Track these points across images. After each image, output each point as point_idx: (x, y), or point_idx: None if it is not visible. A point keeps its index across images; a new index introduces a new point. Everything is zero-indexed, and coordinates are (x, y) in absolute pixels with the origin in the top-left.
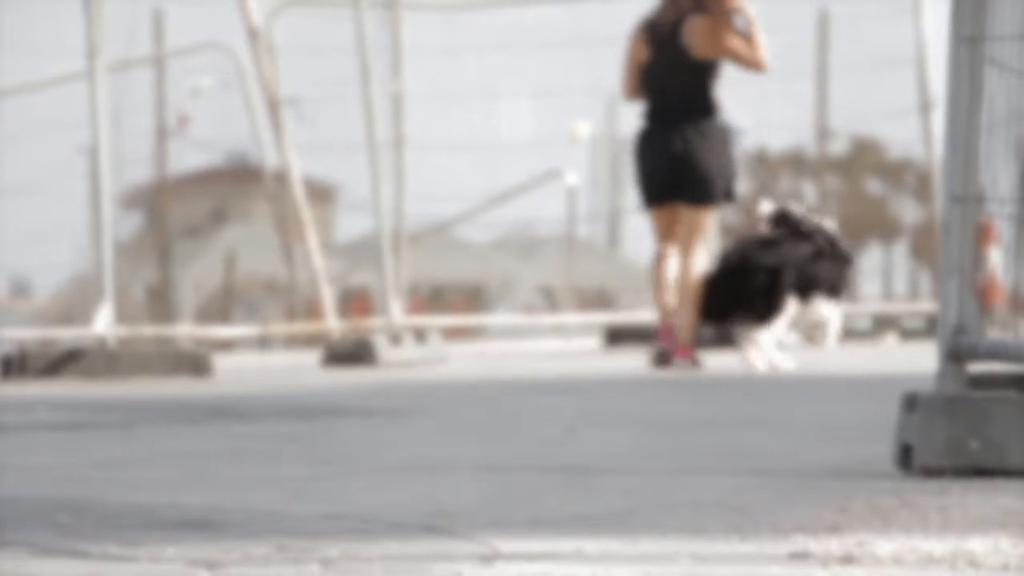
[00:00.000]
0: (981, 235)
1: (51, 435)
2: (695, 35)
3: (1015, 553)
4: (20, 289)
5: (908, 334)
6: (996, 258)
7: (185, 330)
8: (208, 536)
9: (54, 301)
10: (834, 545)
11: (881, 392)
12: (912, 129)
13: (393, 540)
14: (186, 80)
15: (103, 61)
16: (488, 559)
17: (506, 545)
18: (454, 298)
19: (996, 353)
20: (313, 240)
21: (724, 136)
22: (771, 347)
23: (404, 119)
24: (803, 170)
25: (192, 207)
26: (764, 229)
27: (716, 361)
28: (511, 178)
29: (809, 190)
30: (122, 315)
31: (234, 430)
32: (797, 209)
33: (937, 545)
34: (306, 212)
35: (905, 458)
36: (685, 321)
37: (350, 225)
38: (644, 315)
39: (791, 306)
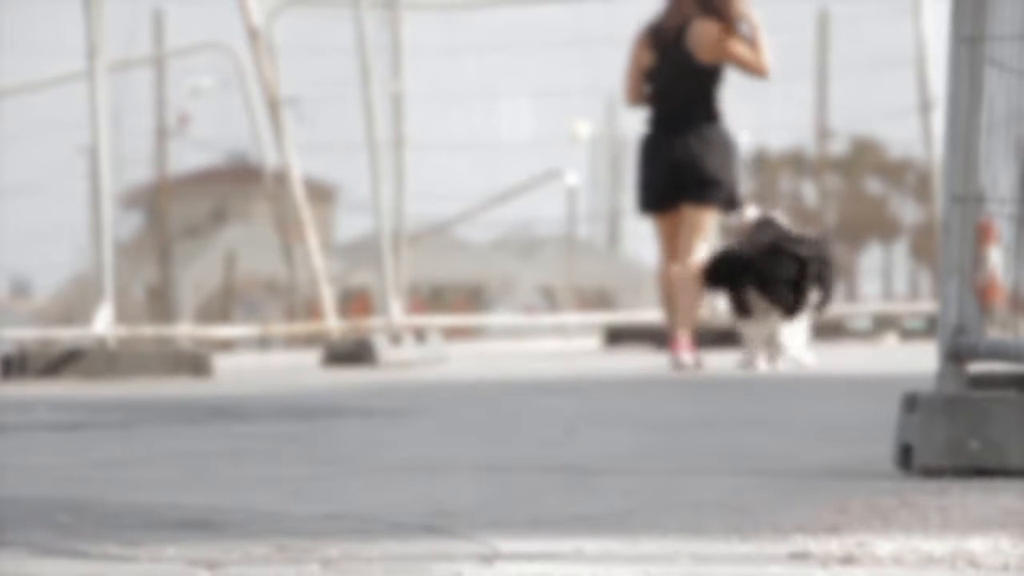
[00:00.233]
0: (981, 235)
1: (51, 435)
2: (700, 39)
3: (1015, 553)
4: (20, 289)
5: (908, 334)
6: (996, 258)
7: (185, 330)
8: (208, 536)
9: (54, 301)
10: (834, 545)
11: (881, 392)
12: (912, 129)
13: (393, 540)
14: (186, 80)
15: (103, 61)
16: (488, 559)
17: (506, 545)
18: (454, 298)
19: (996, 353)
20: (313, 240)
21: (727, 142)
22: (801, 346)
23: (404, 119)
24: (803, 170)
25: (192, 207)
26: (746, 234)
27: (715, 361)
28: (511, 178)
29: (809, 190)
30: (122, 315)
31: (234, 430)
32: (781, 218)
33: (937, 545)
34: (306, 212)
35: (905, 458)
36: (687, 316)
37: (350, 225)
38: (644, 315)
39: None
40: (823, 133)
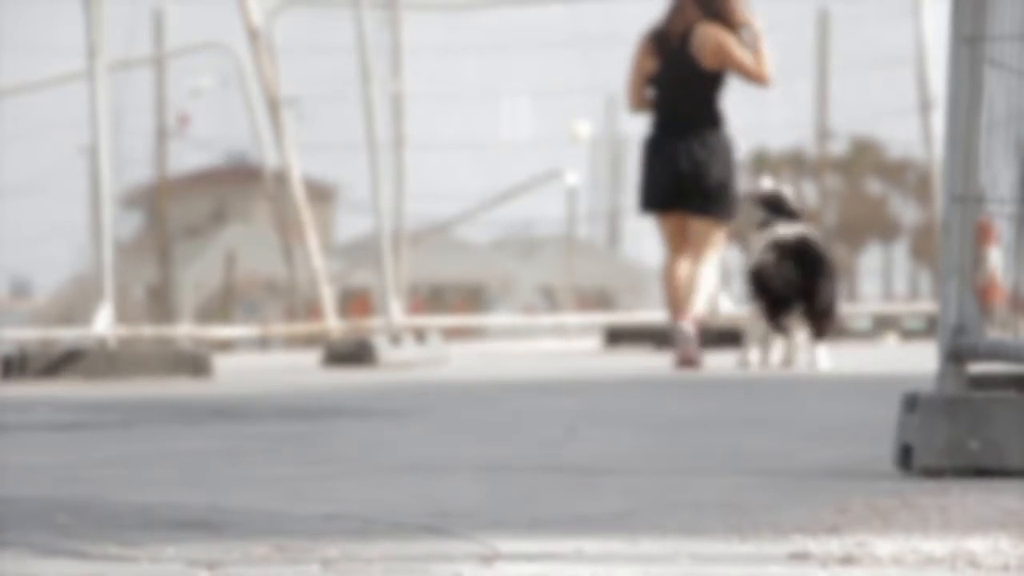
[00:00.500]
0: (981, 235)
1: (51, 435)
2: (704, 44)
3: (1015, 553)
4: (20, 289)
5: (908, 334)
6: (996, 258)
7: (185, 330)
8: (208, 536)
9: (54, 301)
10: (834, 545)
11: (881, 392)
12: (912, 129)
13: (393, 540)
14: (186, 80)
15: (103, 61)
16: (488, 559)
17: (506, 545)
18: (454, 298)
19: (996, 353)
20: (313, 240)
21: (729, 149)
22: (825, 351)
23: (404, 119)
24: (803, 170)
25: (192, 207)
26: (753, 205)
27: (715, 361)
28: (511, 178)
29: (809, 190)
30: (122, 315)
31: (234, 430)
32: (791, 196)
33: (937, 545)
34: (306, 212)
35: (905, 458)
36: (687, 301)
37: (350, 225)
38: (644, 315)
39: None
40: (823, 133)
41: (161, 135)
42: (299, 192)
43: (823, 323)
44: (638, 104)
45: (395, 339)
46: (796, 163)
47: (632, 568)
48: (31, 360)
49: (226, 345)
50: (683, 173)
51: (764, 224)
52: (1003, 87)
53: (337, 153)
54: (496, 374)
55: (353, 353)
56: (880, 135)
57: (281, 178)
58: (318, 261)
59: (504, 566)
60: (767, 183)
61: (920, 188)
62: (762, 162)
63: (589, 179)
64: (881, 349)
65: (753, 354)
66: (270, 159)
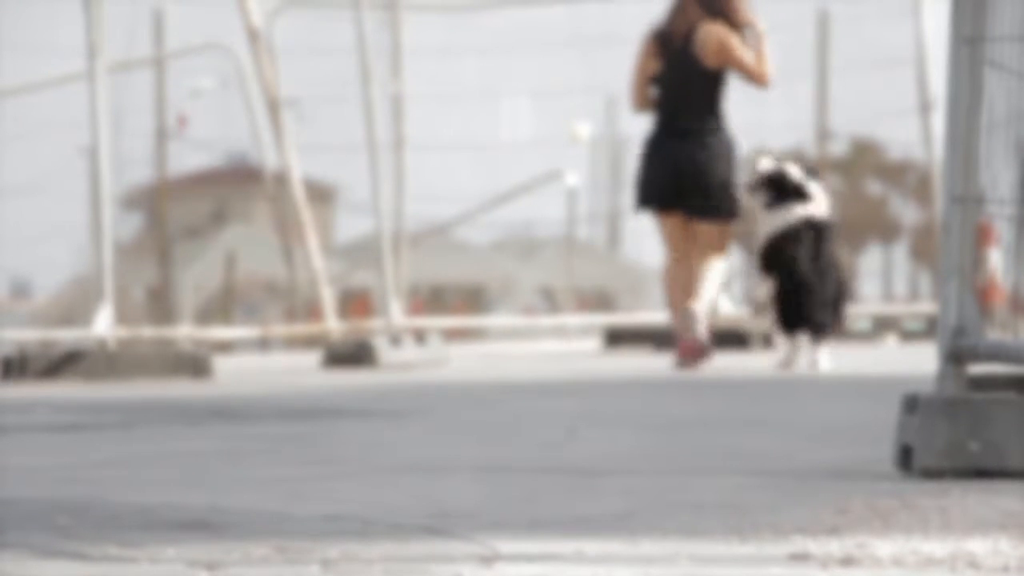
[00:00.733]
0: (981, 236)
1: (51, 436)
2: (707, 43)
3: (1015, 555)
4: (20, 289)
5: (908, 335)
6: (996, 259)
7: (185, 331)
8: (208, 536)
9: (54, 302)
10: (834, 546)
11: (881, 393)
12: (912, 129)
13: (393, 541)
14: (186, 80)
15: (103, 61)
16: (488, 560)
17: (506, 546)
18: (454, 299)
19: (996, 354)
20: (313, 241)
21: (731, 150)
22: (826, 348)
23: (404, 119)
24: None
25: (192, 208)
26: (756, 188)
27: (717, 361)
28: (511, 179)
29: None
30: (122, 316)
31: (234, 431)
32: (795, 171)
33: (937, 547)
34: (306, 213)
35: (905, 459)
36: (698, 295)
37: (350, 226)
38: (644, 316)
39: None
40: (823, 134)
41: (161, 136)
42: (299, 193)
43: (826, 324)
44: (641, 104)
45: (395, 340)
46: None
47: (632, 569)
48: (31, 361)
49: (226, 346)
50: (683, 173)
51: (770, 206)
52: (1003, 88)
53: (337, 154)
54: (496, 375)
55: (353, 354)
56: (880, 136)
57: (281, 179)
58: (318, 262)
59: (504, 567)
60: (765, 163)
61: (920, 189)
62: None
63: (589, 180)
64: (881, 350)
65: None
66: (270, 160)
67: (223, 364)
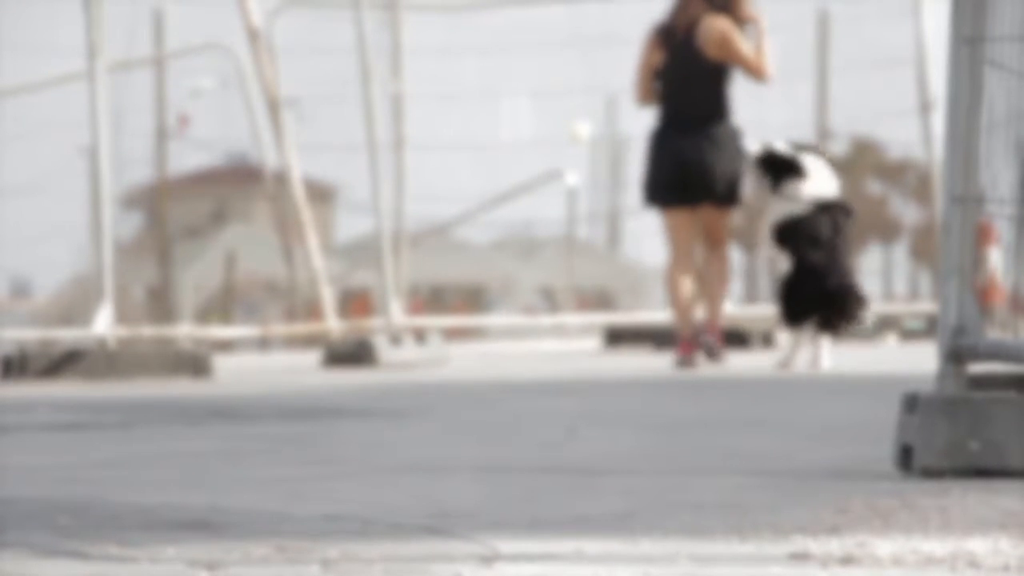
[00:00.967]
0: (981, 236)
1: (51, 435)
2: (710, 36)
3: (1015, 554)
4: (20, 289)
5: (908, 334)
6: (996, 259)
7: (185, 331)
8: (208, 536)
9: (54, 301)
10: (834, 546)
11: (881, 392)
12: (912, 129)
13: (393, 541)
14: (186, 80)
15: (103, 61)
16: (488, 560)
17: (506, 546)
18: (454, 299)
19: (996, 354)
20: (313, 241)
21: (736, 139)
22: (827, 347)
23: (404, 119)
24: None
25: (192, 207)
26: (756, 176)
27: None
28: (511, 178)
29: None
30: (122, 316)
31: (234, 430)
32: (781, 146)
33: (937, 546)
34: (306, 213)
35: (905, 459)
36: (715, 315)
37: (350, 225)
38: (644, 316)
39: None
40: (823, 133)
41: (161, 135)
42: (299, 192)
43: (834, 317)
44: (646, 97)
45: (395, 340)
46: None
47: (632, 568)
48: (31, 360)
49: (226, 345)
50: (691, 167)
51: (775, 188)
52: (1003, 88)
53: (337, 153)
54: (496, 375)
55: (353, 353)
56: (880, 135)
57: (281, 178)
58: (318, 261)
59: (504, 566)
60: (753, 146)
61: (920, 188)
62: None
63: (589, 179)
64: (881, 349)
65: (800, 358)
66: (270, 159)
67: (223, 363)
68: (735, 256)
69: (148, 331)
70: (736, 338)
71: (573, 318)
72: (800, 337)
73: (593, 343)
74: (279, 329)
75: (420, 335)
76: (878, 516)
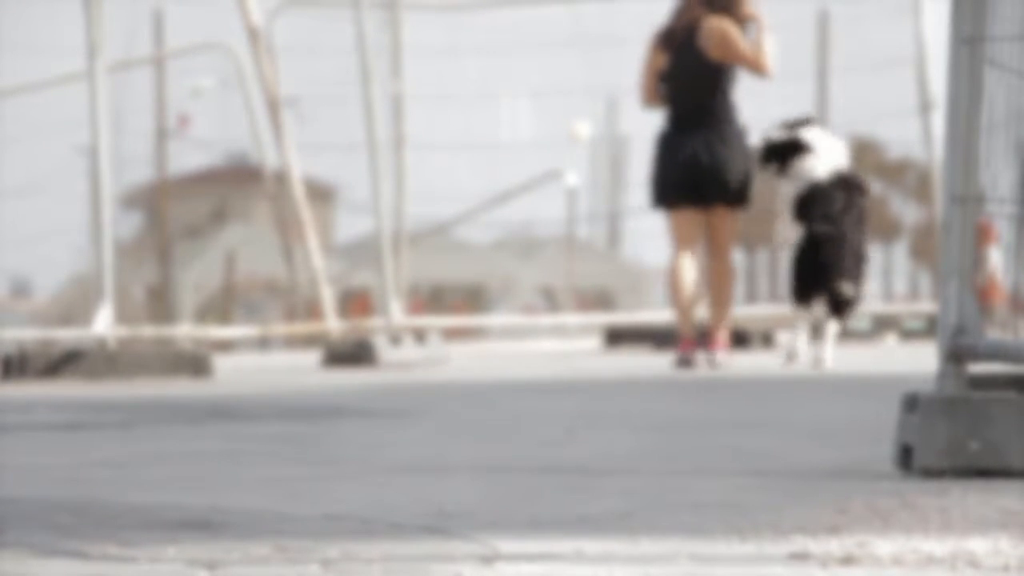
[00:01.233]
0: (981, 235)
1: (51, 435)
2: (711, 36)
3: (1015, 554)
4: (20, 289)
5: (908, 334)
6: (996, 258)
7: (185, 331)
8: (208, 536)
9: (54, 301)
10: (834, 546)
11: (881, 392)
12: (912, 129)
13: (393, 541)
14: (186, 80)
15: (103, 61)
16: (488, 559)
17: (506, 545)
18: (454, 299)
19: (996, 353)
20: (313, 240)
21: (743, 139)
22: (830, 345)
23: (404, 119)
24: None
25: (192, 207)
26: (762, 164)
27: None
28: (511, 178)
29: None
30: (122, 316)
31: (234, 430)
32: (776, 134)
33: (937, 546)
34: (306, 212)
35: (905, 459)
36: (720, 318)
37: (350, 225)
38: (644, 315)
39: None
40: None
41: (161, 135)
42: (299, 192)
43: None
44: (651, 100)
45: (395, 339)
46: None
47: (632, 568)
48: (31, 360)
49: (226, 345)
50: (700, 165)
51: (783, 171)
52: (1003, 87)
53: (337, 153)
54: (496, 374)
55: (353, 353)
56: (880, 135)
57: (281, 178)
58: (318, 261)
59: (504, 566)
60: (754, 142)
61: (920, 188)
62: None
63: (589, 179)
64: (881, 349)
65: (802, 350)
66: (270, 159)
67: (223, 363)
68: (735, 257)
69: (148, 331)
70: (736, 338)
71: (573, 318)
72: (803, 322)
73: (593, 343)
74: (279, 329)
75: (420, 335)
76: (878, 516)
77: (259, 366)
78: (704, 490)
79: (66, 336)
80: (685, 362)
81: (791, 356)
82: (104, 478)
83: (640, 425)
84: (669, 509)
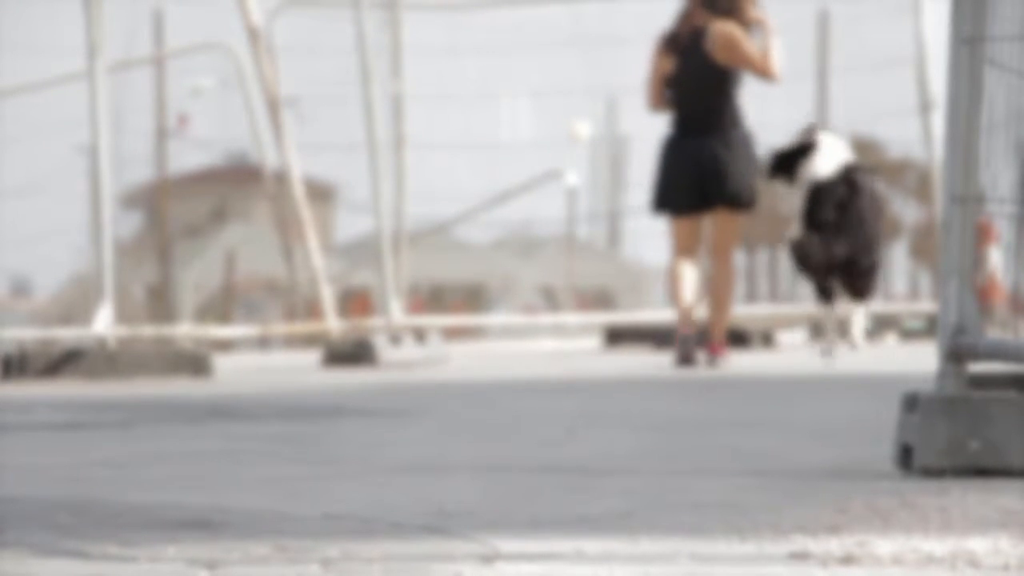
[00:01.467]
0: (981, 235)
1: (51, 435)
2: (717, 40)
3: (1015, 553)
4: (20, 289)
5: (908, 334)
6: (996, 258)
7: (185, 330)
8: (208, 536)
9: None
10: (834, 545)
11: (881, 392)
12: (912, 129)
13: (393, 540)
14: (186, 80)
15: (103, 61)
16: (488, 559)
17: (506, 545)
18: (454, 298)
19: (996, 353)
20: (313, 240)
21: (749, 143)
22: (860, 329)
23: (404, 119)
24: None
25: (192, 207)
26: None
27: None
28: (511, 178)
29: None
30: (122, 315)
31: (234, 430)
32: (783, 144)
33: (937, 545)
34: (306, 212)
35: (905, 458)
36: (720, 320)
37: (350, 225)
38: (644, 315)
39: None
40: None
41: (161, 135)
42: (299, 192)
43: (863, 284)
44: (658, 103)
45: (395, 339)
46: None
47: (632, 568)
48: (31, 360)
49: (226, 345)
50: (705, 170)
51: (793, 178)
52: (1003, 87)
53: (337, 153)
54: (496, 374)
55: (353, 353)
56: (880, 135)
57: (281, 178)
58: (318, 261)
59: (504, 566)
60: (763, 157)
61: (920, 188)
62: (762, 162)
63: (589, 179)
64: (881, 349)
65: (838, 345)
66: (270, 159)
67: (223, 363)
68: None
69: (148, 331)
70: (736, 338)
71: (573, 318)
72: (832, 315)
73: (593, 342)
74: (279, 329)
75: (420, 334)
76: (878, 516)
77: (259, 366)
78: (704, 490)
79: (66, 336)
80: (685, 359)
81: (825, 354)
82: (104, 478)
83: (640, 425)
84: (669, 509)
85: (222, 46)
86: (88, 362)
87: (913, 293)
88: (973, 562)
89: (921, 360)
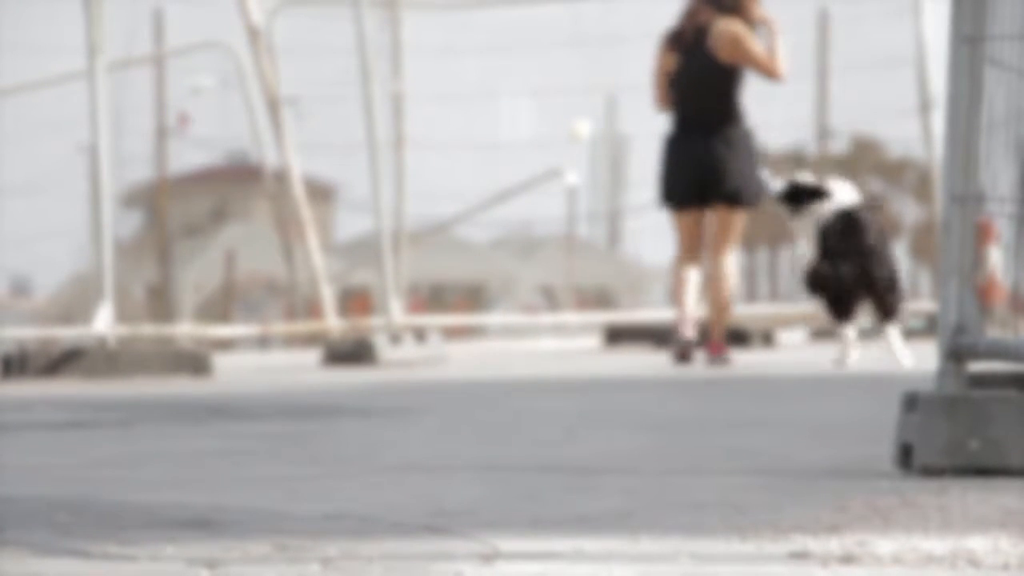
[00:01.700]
0: (981, 235)
1: (51, 434)
2: (721, 38)
3: (1015, 552)
4: (20, 289)
5: (908, 333)
6: (996, 258)
7: (185, 330)
8: (208, 536)
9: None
10: (834, 545)
11: (881, 392)
12: (912, 129)
13: (393, 540)
14: (186, 80)
15: (103, 61)
16: (488, 558)
17: (506, 545)
18: (454, 297)
19: (996, 352)
20: (313, 240)
21: (750, 141)
22: (901, 345)
23: (404, 119)
24: (803, 169)
25: (192, 207)
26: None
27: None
28: (511, 178)
29: None
30: (122, 315)
31: (234, 429)
32: (806, 178)
33: (937, 544)
34: (306, 212)
35: (905, 458)
36: (719, 319)
37: (350, 225)
38: (644, 314)
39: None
40: (823, 132)
41: (161, 135)
42: (299, 191)
43: (888, 303)
44: (665, 103)
45: (395, 338)
46: (796, 162)
47: (632, 568)
48: (31, 359)
49: (226, 344)
50: (706, 167)
51: (794, 212)
52: (1003, 87)
53: (337, 152)
54: (496, 373)
55: (353, 352)
56: (880, 135)
57: (281, 177)
58: (318, 260)
59: (504, 565)
60: (776, 184)
61: (920, 188)
62: (762, 161)
63: (589, 178)
64: (881, 348)
65: (852, 355)
66: (270, 158)
67: (223, 362)
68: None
69: (148, 330)
70: (736, 337)
71: (573, 317)
72: (849, 332)
73: (593, 342)
74: (279, 328)
75: (420, 334)
76: (878, 515)
77: (259, 365)
78: (704, 489)
79: (66, 335)
80: (682, 356)
81: (838, 364)
82: (104, 477)
83: (640, 424)
84: (669, 509)
85: (222, 45)
86: (88, 362)
87: (913, 292)
88: (973, 561)
89: (921, 359)
